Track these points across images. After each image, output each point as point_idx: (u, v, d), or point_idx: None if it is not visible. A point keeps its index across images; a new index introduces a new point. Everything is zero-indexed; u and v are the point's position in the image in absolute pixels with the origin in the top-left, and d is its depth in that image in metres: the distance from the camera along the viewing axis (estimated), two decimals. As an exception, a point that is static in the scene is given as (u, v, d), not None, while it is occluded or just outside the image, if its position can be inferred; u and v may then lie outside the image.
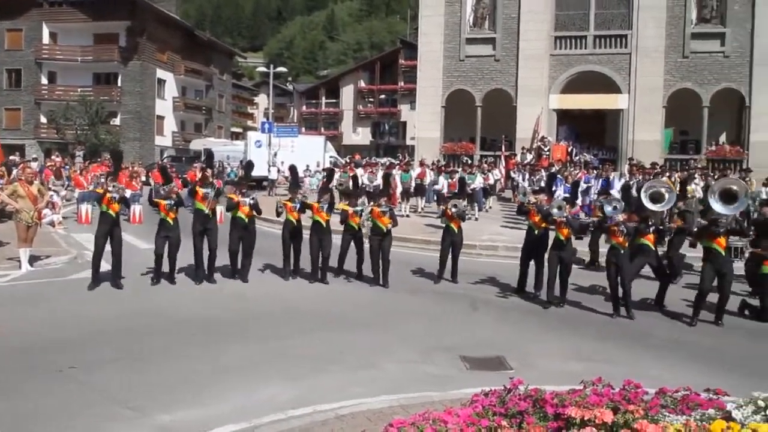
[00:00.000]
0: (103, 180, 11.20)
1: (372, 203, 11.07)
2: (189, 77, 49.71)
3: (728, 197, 8.78)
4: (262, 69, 44.19)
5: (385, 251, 10.67)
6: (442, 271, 11.06)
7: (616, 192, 12.40)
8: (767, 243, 9.06)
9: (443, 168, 20.43)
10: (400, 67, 59.00)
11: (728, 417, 3.63)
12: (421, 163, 20.64)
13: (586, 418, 3.35)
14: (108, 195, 9.72)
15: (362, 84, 61.83)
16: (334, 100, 63.57)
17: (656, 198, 9.75)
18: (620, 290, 9.05)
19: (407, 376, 6.39)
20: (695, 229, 9.47)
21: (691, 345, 7.82)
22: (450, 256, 11.06)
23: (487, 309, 9.43)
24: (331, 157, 33.29)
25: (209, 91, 53.43)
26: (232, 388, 5.95)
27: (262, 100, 72.04)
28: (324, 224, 10.82)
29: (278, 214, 11.22)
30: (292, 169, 11.93)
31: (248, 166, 12.43)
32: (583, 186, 15.16)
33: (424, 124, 27.69)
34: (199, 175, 12.81)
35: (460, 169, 19.07)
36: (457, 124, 26.91)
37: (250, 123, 72.87)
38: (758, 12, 24.00)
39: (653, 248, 9.88)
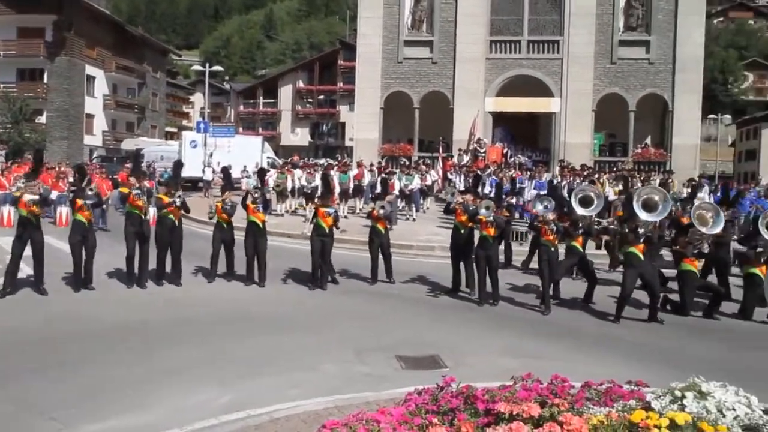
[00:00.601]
0: (23, 181, 10.67)
1: (312, 203, 11.01)
2: (120, 74, 47.98)
3: (649, 206, 9.16)
4: (198, 67, 43.16)
5: (326, 253, 10.65)
6: (374, 271, 11.10)
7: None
8: (684, 240, 9.51)
9: (381, 169, 20.53)
10: (339, 67, 58.88)
11: (648, 407, 3.79)
12: (359, 164, 20.66)
13: (514, 413, 3.43)
14: (25, 198, 9.24)
15: (301, 84, 61.37)
16: (272, 100, 62.81)
17: (586, 202, 10.05)
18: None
19: (343, 377, 6.37)
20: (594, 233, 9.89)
21: (619, 340, 8.13)
22: (381, 257, 11.10)
23: (422, 308, 9.54)
24: (268, 157, 32.86)
25: (142, 89, 51.74)
26: (163, 394, 5.78)
27: (198, 99, 70.32)
28: (260, 225, 10.69)
29: (210, 218, 11.03)
30: (225, 170, 11.77)
31: (177, 165, 12.14)
32: (516, 186, 15.54)
33: (362, 125, 27.72)
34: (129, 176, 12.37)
35: (398, 171, 19.22)
36: (396, 126, 27.08)
37: (185, 122, 71.06)
38: (680, 22, 25.23)
39: (582, 250, 10.23)
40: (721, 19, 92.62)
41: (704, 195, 15.93)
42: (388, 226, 11.39)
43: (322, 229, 10.59)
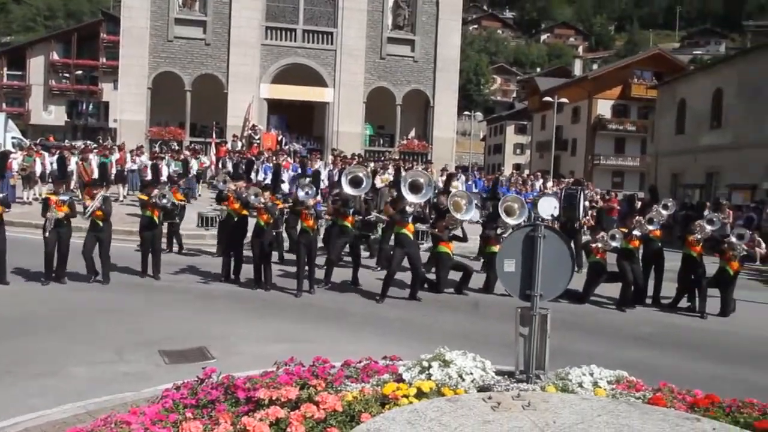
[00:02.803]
0: None
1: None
2: None
3: (415, 188, 9.85)
4: None
5: (103, 243, 9.79)
6: (145, 264, 10.42)
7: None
8: (442, 224, 10.43)
9: (154, 155, 19.28)
10: (101, 41, 53.80)
11: (400, 379, 4.10)
12: (120, 148, 19.14)
13: (274, 398, 3.46)
14: None
15: (55, 56, 54.78)
16: (19, 73, 55.14)
17: (356, 182, 10.44)
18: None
19: (99, 379, 5.86)
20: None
21: (382, 318, 8.65)
22: (151, 249, 10.46)
23: (191, 299, 9.18)
24: (13, 137, 28.83)
25: None
26: None
27: None
28: None
29: None
30: None
31: None
32: (290, 174, 15.69)
33: (127, 105, 25.68)
34: None
35: (167, 156, 18.21)
36: (166, 108, 25.58)
37: None
38: (441, 24, 27.56)
39: (353, 229, 10.70)
40: (475, 26, 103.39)
41: (459, 184, 17.63)
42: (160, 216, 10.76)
43: (60, 220, 9.56)
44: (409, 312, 9.16)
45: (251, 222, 10.44)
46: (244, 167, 13.04)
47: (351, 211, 10.56)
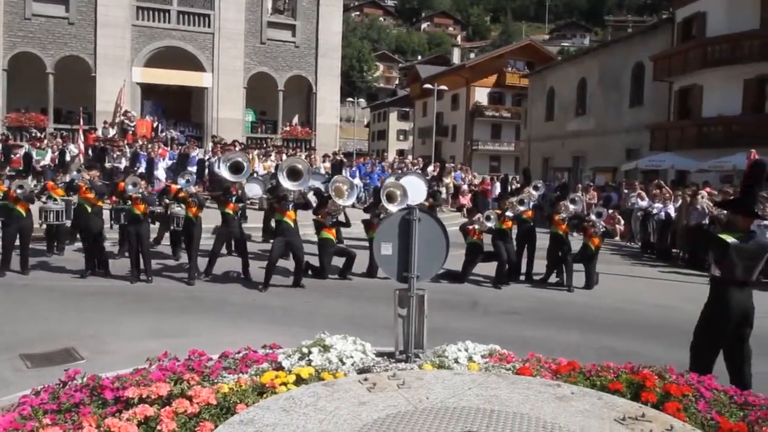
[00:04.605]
0: None
1: None
2: None
3: (294, 174, 9.72)
4: None
5: None
6: (7, 260, 9.62)
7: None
8: (324, 211, 10.43)
9: (7, 140, 17.69)
10: (-55, 17, 48.39)
11: (279, 367, 4.06)
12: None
13: (144, 396, 3.31)
14: None
15: None
16: None
17: (237, 168, 10.14)
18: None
19: (-54, 390, 5.32)
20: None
21: (265, 307, 8.52)
22: (19, 244, 9.69)
23: (56, 297, 8.57)
24: None
25: None
26: None
27: None
28: None
29: None
30: None
31: None
32: (168, 162, 15.02)
33: (-21, 89, 23.36)
34: None
35: (27, 144, 16.80)
36: (25, 93, 23.48)
37: None
38: (322, 10, 27.33)
39: (236, 218, 10.47)
40: (357, 13, 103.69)
41: (345, 171, 17.70)
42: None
43: None
44: (292, 299, 9.10)
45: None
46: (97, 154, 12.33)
47: (234, 199, 10.27)
